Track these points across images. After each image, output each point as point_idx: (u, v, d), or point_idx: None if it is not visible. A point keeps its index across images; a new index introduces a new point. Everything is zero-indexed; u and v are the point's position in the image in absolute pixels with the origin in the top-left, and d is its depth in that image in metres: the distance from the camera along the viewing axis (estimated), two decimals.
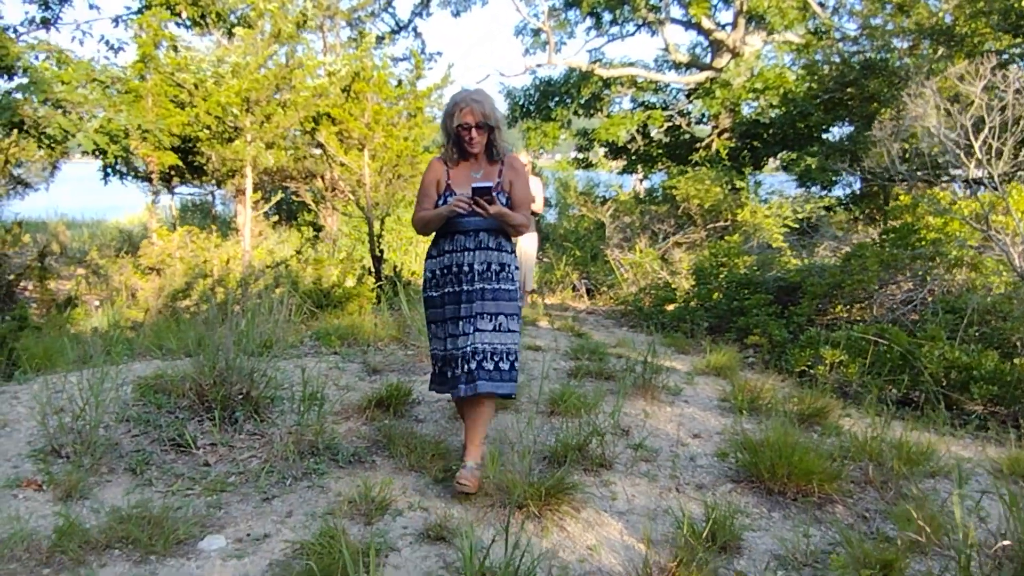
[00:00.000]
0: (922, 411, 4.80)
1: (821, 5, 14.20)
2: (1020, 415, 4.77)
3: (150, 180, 10.88)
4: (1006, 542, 2.05)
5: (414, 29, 19.41)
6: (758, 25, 15.13)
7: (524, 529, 3.12)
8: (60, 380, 4.03)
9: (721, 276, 7.93)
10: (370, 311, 7.51)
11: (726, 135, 15.01)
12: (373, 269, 9.79)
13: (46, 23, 9.66)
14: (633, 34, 17.84)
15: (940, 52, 10.95)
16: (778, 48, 15.44)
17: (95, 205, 19.24)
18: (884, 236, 6.93)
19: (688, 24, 16.37)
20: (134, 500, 3.20)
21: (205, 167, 10.62)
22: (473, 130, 3.47)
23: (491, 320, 3.48)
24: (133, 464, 3.54)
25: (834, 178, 11.90)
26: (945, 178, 8.40)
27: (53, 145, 8.26)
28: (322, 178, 12.34)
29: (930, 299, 6.30)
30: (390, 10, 21.39)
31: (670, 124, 16.68)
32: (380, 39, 14.32)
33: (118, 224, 17.61)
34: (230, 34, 10.70)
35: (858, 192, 13.56)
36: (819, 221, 11.57)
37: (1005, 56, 10.30)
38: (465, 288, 3.51)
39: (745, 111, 15.32)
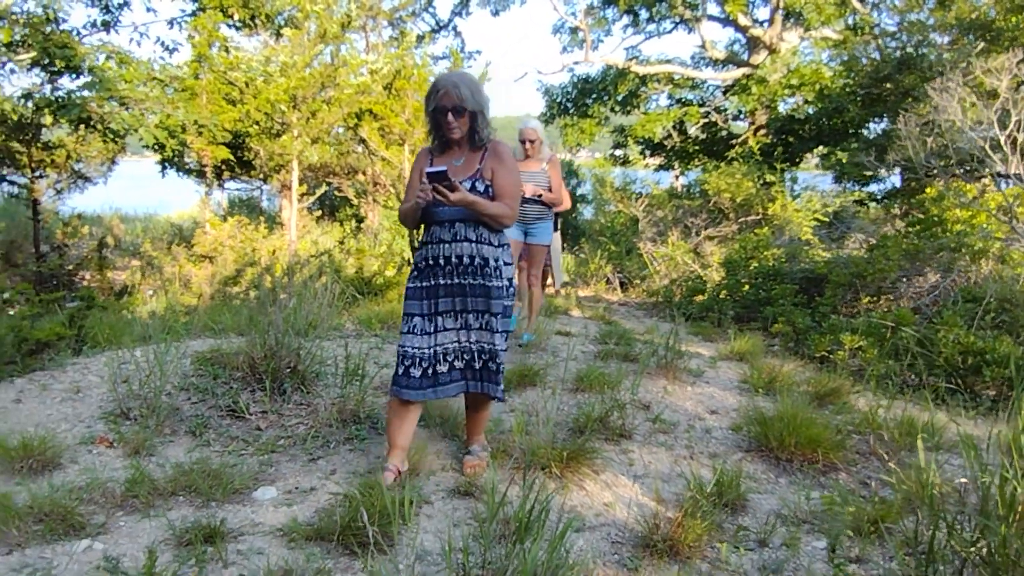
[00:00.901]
0: (937, 395, 4.95)
1: (860, 0, 14.18)
2: None
3: (203, 174, 11.42)
4: (963, 479, 2.26)
5: (454, 28, 19.80)
6: (795, 21, 15.15)
7: (545, 487, 3.40)
8: (125, 354, 4.41)
9: (751, 268, 8.11)
10: None
11: (762, 131, 15.06)
12: (411, 260, 10.14)
13: (106, 26, 10.22)
14: (670, 31, 17.95)
15: (980, 47, 10.92)
16: (815, 44, 15.44)
17: (147, 201, 19.97)
18: (909, 227, 7.05)
19: (725, 21, 16.44)
20: (195, 457, 3.56)
21: (254, 162, 11.11)
22: (449, 114, 3.25)
23: (478, 318, 3.33)
24: (193, 427, 3.91)
25: (867, 173, 11.92)
26: (979, 173, 8.43)
27: (116, 139, 8.79)
28: (364, 173, 12.75)
29: (954, 290, 6.41)
30: (431, 10, 21.85)
31: (706, 121, 16.77)
32: (420, 38, 14.72)
33: (169, 219, 18.28)
34: (278, 35, 11.17)
35: (898, 188, 13.53)
36: (849, 215, 11.64)
37: None
38: (443, 282, 3.34)
39: (781, 107, 15.36)
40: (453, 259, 3.31)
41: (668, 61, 17.26)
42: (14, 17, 8.80)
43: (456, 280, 3.32)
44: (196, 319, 6.52)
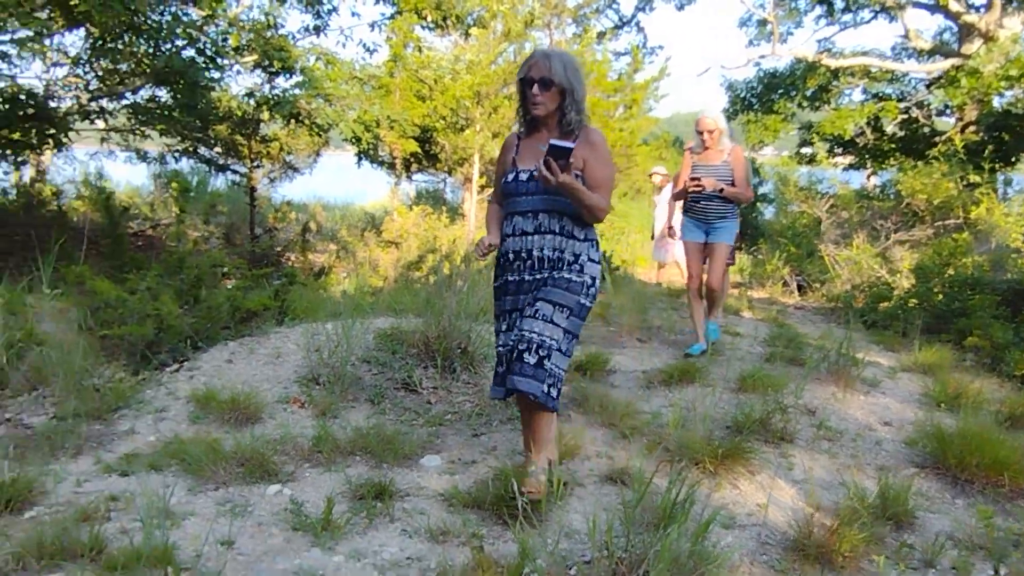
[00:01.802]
0: None
1: None
2: None
3: (393, 166, 12.26)
4: None
5: (637, 24, 19.71)
6: (1018, 5, 13.64)
7: (699, 483, 3.41)
8: (319, 327, 4.90)
9: (946, 275, 7.48)
10: None
11: (971, 128, 13.73)
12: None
13: (317, 30, 11.23)
14: (869, 21, 16.77)
15: None
16: None
17: (345, 191, 21.57)
18: None
19: (934, 7, 15.12)
20: (372, 423, 3.92)
21: (439, 155, 11.78)
22: (535, 85, 3.03)
23: (554, 308, 3.06)
24: (372, 396, 4.30)
25: None
26: None
27: (320, 133, 9.72)
28: None
29: None
30: (614, 6, 21.87)
31: (905, 117, 15.52)
32: (601, 34, 14.83)
33: (363, 208, 19.66)
34: (467, 34, 11.74)
35: None
36: None
37: None
38: (527, 278, 3.15)
39: (996, 102, 13.90)
40: (535, 253, 3.11)
41: (864, 53, 16.12)
42: (241, 24, 9.92)
43: (541, 275, 3.12)
44: (380, 299, 7.06)
